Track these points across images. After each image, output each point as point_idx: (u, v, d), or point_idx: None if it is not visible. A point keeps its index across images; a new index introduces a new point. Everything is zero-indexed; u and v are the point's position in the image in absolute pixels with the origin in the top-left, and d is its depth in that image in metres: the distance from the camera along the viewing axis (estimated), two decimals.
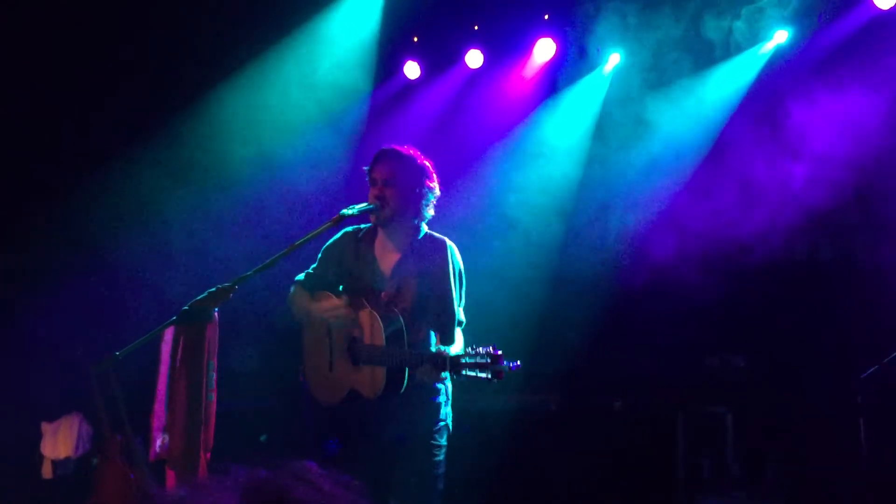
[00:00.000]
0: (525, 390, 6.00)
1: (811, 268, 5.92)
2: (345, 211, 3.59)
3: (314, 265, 3.85)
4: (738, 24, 5.84)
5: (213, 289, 3.38)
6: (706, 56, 6.02)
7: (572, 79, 6.63)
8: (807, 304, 5.73)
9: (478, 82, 6.80)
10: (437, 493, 3.53)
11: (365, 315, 3.50)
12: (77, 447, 5.76)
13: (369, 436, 3.56)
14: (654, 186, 6.53)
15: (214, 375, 3.37)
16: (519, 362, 3.18)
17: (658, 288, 6.36)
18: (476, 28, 6.64)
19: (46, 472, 5.73)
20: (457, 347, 3.52)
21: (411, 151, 3.70)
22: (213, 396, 3.36)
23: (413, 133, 6.96)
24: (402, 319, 3.48)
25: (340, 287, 3.76)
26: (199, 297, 3.36)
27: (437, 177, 3.75)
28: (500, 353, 3.15)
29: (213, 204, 5.91)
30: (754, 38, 5.95)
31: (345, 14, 6.35)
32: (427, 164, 3.71)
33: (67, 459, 5.76)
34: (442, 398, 3.60)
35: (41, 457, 5.73)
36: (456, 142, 6.68)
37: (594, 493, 5.69)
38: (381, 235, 3.74)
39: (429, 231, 3.75)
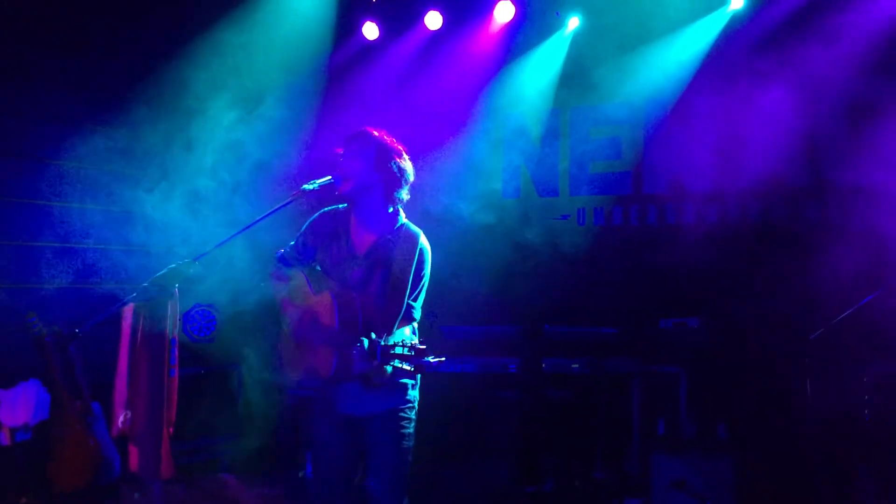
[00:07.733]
0: (485, 352, 6.08)
1: (763, 231, 6.04)
2: (305, 186, 3.57)
3: (293, 242, 3.85)
4: None
5: (174, 265, 3.35)
6: (663, 20, 6.04)
7: (532, 42, 6.61)
8: (758, 266, 5.86)
9: (437, 44, 6.75)
10: (407, 464, 3.61)
11: (326, 297, 3.53)
12: (34, 414, 5.74)
13: (334, 412, 3.62)
14: (612, 150, 6.59)
15: (176, 351, 3.37)
16: (444, 358, 3.27)
17: (614, 251, 6.47)
18: None
19: (5, 439, 5.71)
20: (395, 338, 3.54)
21: (382, 134, 3.71)
22: (175, 372, 3.36)
23: (372, 96, 6.91)
24: (358, 304, 3.50)
25: (318, 267, 3.77)
26: (159, 274, 3.33)
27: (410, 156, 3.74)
28: (424, 347, 3.22)
29: (171, 174, 5.84)
30: (710, 3, 5.99)
31: None
32: (399, 147, 3.70)
33: (25, 426, 5.74)
34: (410, 381, 3.65)
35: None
36: (416, 105, 6.65)
37: (551, 452, 5.83)
38: (354, 218, 3.74)
39: (406, 222, 3.75)
